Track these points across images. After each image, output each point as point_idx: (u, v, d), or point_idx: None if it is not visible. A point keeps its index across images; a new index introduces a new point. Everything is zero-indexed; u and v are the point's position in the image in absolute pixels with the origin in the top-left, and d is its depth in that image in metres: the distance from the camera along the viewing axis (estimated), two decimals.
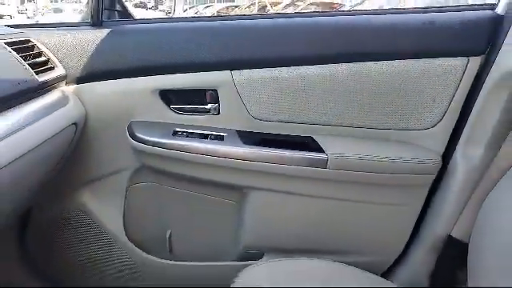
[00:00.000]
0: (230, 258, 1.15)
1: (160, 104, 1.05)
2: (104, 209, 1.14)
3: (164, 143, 1.00)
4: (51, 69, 0.97)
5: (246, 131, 1.05)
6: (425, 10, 1.07)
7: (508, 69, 0.89)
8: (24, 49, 0.93)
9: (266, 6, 11.85)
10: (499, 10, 0.97)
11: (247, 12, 11.94)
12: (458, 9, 1.03)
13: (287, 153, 0.98)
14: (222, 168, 1.01)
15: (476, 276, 0.90)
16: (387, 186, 1.01)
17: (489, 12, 0.98)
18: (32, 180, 0.93)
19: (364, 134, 1.04)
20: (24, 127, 0.78)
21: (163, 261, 1.16)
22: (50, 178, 1.03)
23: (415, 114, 1.01)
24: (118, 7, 1.21)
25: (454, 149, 1.00)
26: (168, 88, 1.04)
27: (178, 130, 1.03)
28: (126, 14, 1.22)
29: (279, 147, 0.99)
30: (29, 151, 0.78)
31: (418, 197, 1.04)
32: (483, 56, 0.96)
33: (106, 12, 1.13)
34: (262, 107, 1.03)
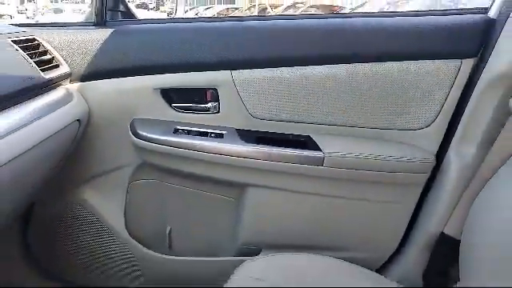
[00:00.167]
0: (228, 253, 1.17)
1: (161, 102, 1.08)
2: (106, 205, 1.17)
3: (165, 140, 1.03)
4: (56, 67, 1.00)
5: (245, 129, 1.07)
6: (420, 13, 1.10)
7: (499, 71, 0.91)
8: (30, 47, 0.96)
9: (266, 8, 11.89)
10: (491, 13, 0.99)
11: (247, 14, 11.97)
12: (452, 12, 1.06)
13: (285, 151, 1.01)
14: (221, 165, 1.03)
15: (467, 272, 0.92)
16: (382, 184, 1.04)
17: (481, 16, 1.01)
18: (36, 176, 0.95)
19: (360, 134, 1.06)
20: (29, 123, 0.80)
21: (163, 256, 1.18)
22: (53, 174, 1.05)
23: (410, 114, 1.04)
24: (121, 8, 1.23)
25: (448, 148, 1.02)
26: (169, 87, 1.07)
27: (178, 127, 1.06)
28: (128, 15, 1.25)
29: (277, 145, 1.02)
30: (33, 147, 0.80)
31: (412, 195, 1.06)
32: (476, 58, 0.98)
33: (109, 12, 1.15)
34: (260, 106, 1.06)
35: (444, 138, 1.04)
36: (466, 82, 0.99)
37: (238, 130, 1.07)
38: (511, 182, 0.87)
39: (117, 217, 1.17)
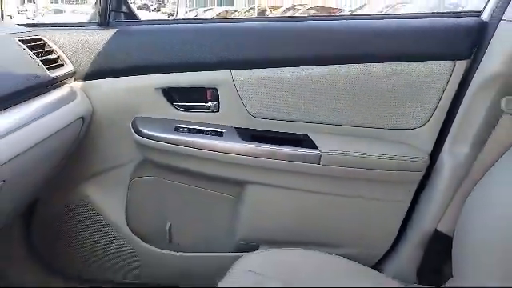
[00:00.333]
0: (226, 249, 1.20)
1: (163, 101, 1.10)
2: (107, 201, 1.19)
3: (166, 138, 1.05)
4: (61, 65, 1.02)
5: (244, 128, 1.10)
6: (416, 15, 1.13)
7: (492, 72, 0.94)
8: (36, 46, 0.98)
9: (266, 10, 11.94)
10: (484, 16, 1.02)
11: (247, 15, 12.01)
12: (446, 15, 1.09)
13: (283, 149, 1.03)
14: (220, 162, 1.06)
15: (459, 269, 0.95)
16: (377, 182, 1.06)
17: (475, 19, 1.04)
18: (40, 172, 0.98)
19: (356, 133, 1.09)
20: (35, 120, 0.83)
21: (163, 251, 1.20)
22: (56, 171, 1.08)
23: (405, 114, 1.06)
24: (124, 9, 1.26)
25: (441, 147, 1.05)
26: (170, 86, 1.10)
27: (179, 126, 1.08)
28: (131, 16, 1.28)
29: (275, 144, 1.04)
30: (39, 143, 0.83)
31: (406, 193, 1.08)
32: (469, 60, 1.01)
33: (112, 13, 1.18)
34: (259, 105, 1.08)
35: (438, 138, 1.06)
36: (460, 83, 1.02)
37: (237, 129, 1.09)
38: (502, 181, 0.90)
39: (118, 213, 1.20)
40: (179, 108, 1.11)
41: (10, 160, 0.72)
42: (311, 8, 10.96)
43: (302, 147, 1.04)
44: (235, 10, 13.67)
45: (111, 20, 1.18)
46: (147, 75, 1.09)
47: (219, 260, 1.18)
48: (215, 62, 1.08)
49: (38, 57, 0.95)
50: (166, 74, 1.09)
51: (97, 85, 1.09)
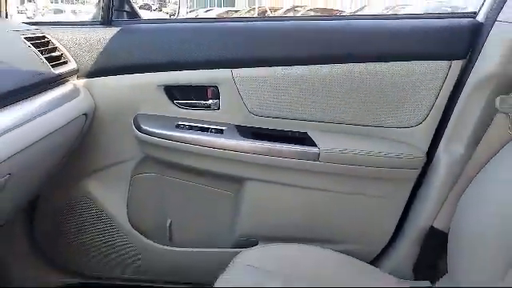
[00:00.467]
0: (226, 245, 1.21)
1: (164, 99, 1.12)
2: (109, 197, 1.21)
3: (167, 135, 1.07)
4: (65, 63, 1.04)
5: (244, 126, 1.12)
6: (413, 16, 1.15)
7: (486, 72, 0.96)
8: (40, 44, 1.00)
9: (266, 11, 11.96)
10: (479, 18, 1.04)
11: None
12: (442, 16, 1.11)
13: (282, 146, 1.05)
14: (220, 159, 1.08)
15: (454, 264, 0.97)
16: (375, 179, 1.08)
17: (470, 20, 1.06)
18: (43, 168, 1.00)
19: (354, 131, 1.11)
20: (39, 116, 0.85)
21: (164, 247, 1.22)
22: (59, 167, 1.10)
23: (402, 112, 1.08)
24: (126, 8, 1.28)
25: (438, 145, 1.07)
26: (172, 84, 1.12)
27: (180, 123, 1.10)
28: (133, 15, 1.30)
29: (275, 141, 1.06)
30: (43, 138, 0.84)
31: (403, 190, 1.10)
32: (464, 60, 1.03)
33: (115, 12, 1.20)
34: (259, 104, 1.10)
35: (434, 136, 1.08)
36: (455, 83, 1.04)
37: (237, 126, 1.11)
38: (497, 178, 0.92)
39: (120, 209, 1.21)
40: (180, 106, 1.13)
41: (15, 154, 0.74)
42: (311, 9, 10.99)
43: (301, 145, 1.06)
44: (235, 11, 13.70)
45: (114, 19, 1.19)
46: (149, 73, 1.11)
47: (219, 255, 1.19)
48: (216, 60, 1.10)
49: (42, 54, 0.97)
50: (167, 72, 1.11)
51: (99, 82, 1.11)
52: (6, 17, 1.17)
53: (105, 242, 1.24)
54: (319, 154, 1.04)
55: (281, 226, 1.15)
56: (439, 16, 1.12)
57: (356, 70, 1.06)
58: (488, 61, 0.96)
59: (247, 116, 1.11)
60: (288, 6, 12.17)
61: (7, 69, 0.85)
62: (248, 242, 1.17)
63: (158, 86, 1.11)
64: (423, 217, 1.08)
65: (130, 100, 1.12)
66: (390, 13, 8.86)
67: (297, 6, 11.73)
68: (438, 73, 1.04)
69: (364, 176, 1.08)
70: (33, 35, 1.01)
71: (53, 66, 0.97)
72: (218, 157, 1.07)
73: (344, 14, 9.91)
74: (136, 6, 1.33)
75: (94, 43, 1.11)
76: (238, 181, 1.13)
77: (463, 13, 1.11)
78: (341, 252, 1.01)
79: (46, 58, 0.97)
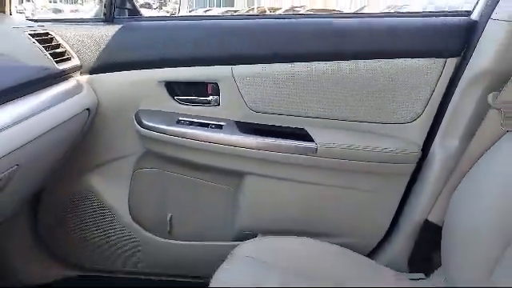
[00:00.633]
0: (226, 239, 1.24)
1: (165, 95, 1.14)
2: (111, 191, 1.23)
3: (168, 130, 1.09)
4: (68, 59, 1.06)
5: (243, 122, 1.14)
6: (409, 14, 1.18)
7: (481, 69, 0.98)
8: (44, 40, 1.02)
9: (265, 11, 11.98)
10: (474, 16, 1.07)
11: None
12: (438, 14, 1.14)
13: (280, 141, 1.07)
14: (219, 154, 1.10)
15: (447, 258, 0.99)
16: (371, 173, 1.10)
17: (465, 18, 1.08)
18: (47, 162, 1.02)
19: (351, 127, 1.13)
20: (43, 111, 0.87)
21: (164, 240, 1.24)
22: (62, 162, 1.12)
23: (398, 108, 1.10)
24: (128, 5, 1.31)
25: (433, 141, 1.09)
26: (173, 80, 1.14)
27: (181, 118, 1.12)
28: (135, 12, 1.33)
29: (273, 136, 1.08)
30: (48, 131, 0.87)
31: (399, 184, 1.12)
32: (459, 57, 1.05)
33: (117, 10, 1.22)
34: (258, 100, 1.12)
35: (429, 132, 1.10)
36: (450, 80, 1.06)
37: (236, 122, 1.13)
38: (489, 173, 0.94)
39: (121, 203, 1.23)
40: (181, 102, 1.15)
41: (23, 145, 0.76)
42: (310, 10, 11.01)
43: (299, 140, 1.08)
44: (235, 11, 13.71)
45: (116, 16, 1.22)
46: (150, 69, 1.13)
47: (218, 248, 1.21)
48: (216, 57, 1.12)
49: (46, 50, 0.99)
50: (168, 68, 1.13)
51: (102, 78, 1.13)
52: (10, 14, 1.19)
53: (106, 236, 1.26)
54: (316, 149, 1.06)
55: (279, 219, 1.17)
56: (435, 14, 1.15)
57: (353, 68, 1.08)
58: (482, 58, 0.98)
59: (246, 112, 1.13)
60: (287, 6, 12.19)
61: (14, 64, 0.87)
62: (247, 236, 1.19)
63: (159, 82, 1.13)
64: (418, 211, 1.10)
65: (131, 96, 1.14)
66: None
67: (296, 7, 11.75)
68: (433, 70, 1.06)
69: (360, 171, 1.10)
70: (37, 32, 1.03)
71: (57, 62, 1.00)
72: (217, 152, 1.09)
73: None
74: (137, 4, 1.35)
75: (97, 40, 1.13)
76: (237, 175, 1.15)
77: (458, 11, 1.13)
78: (337, 245, 1.03)
79: (50, 54, 0.99)
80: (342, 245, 1.04)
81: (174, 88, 1.15)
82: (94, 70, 1.13)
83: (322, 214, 1.16)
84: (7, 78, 0.80)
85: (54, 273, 1.32)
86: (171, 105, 1.15)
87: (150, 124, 1.10)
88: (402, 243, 1.15)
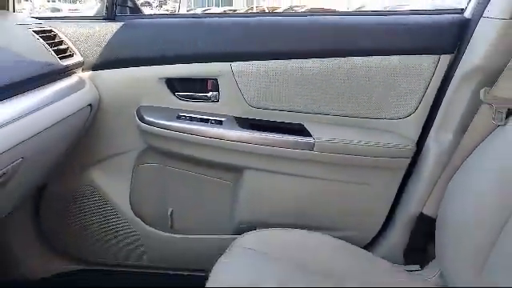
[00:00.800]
0: (226, 232, 1.26)
1: (166, 91, 1.16)
2: (112, 186, 1.25)
3: (169, 125, 1.11)
4: (71, 56, 1.09)
5: (242, 117, 1.16)
6: (403, 12, 1.20)
7: (473, 65, 1.01)
8: (48, 37, 1.05)
9: (264, 11, 11.99)
10: (467, 14, 1.09)
11: None
12: (431, 12, 1.16)
13: (279, 136, 1.10)
14: (219, 149, 1.12)
15: (441, 250, 1.01)
16: (367, 168, 1.13)
17: (458, 16, 1.11)
18: (49, 157, 1.04)
19: (348, 122, 1.15)
20: (47, 105, 0.89)
21: (165, 233, 1.26)
22: (64, 157, 1.14)
23: (393, 104, 1.13)
24: (129, 3, 1.33)
25: (427, 135, 1.11)
26: (173, 77, 1.16)
27: (181, 114, 1.15)
28: (136, 10, 1.35)
29: (272, 132, 1.11)
30: (51, 126, 0.89)
31: (394, 178, 1.15)
32: (452, 54, 1.08)
33: (118, 7, 1.25)
34: (257, 96, 1.14)
35: (424, 127, 1.13)
36: (444, 76, 1.09)
37: (236, 118, 1.15)
38: (480, 167, 0.97)
39: (123, 198, 1.25)
40: (181, 98, 1.17)
41: (27, 139, 0.79)
42: (309, 9, 11.03)
43: (297, 135, 1.10)
44: (233, 11, 13.72)
45: (117, 14, 1.24)
46: (151, 66, 1.15)
47: (219, 242, 1.23)
48: (215, 54, 1.14)
49: (50, 47, 1.01)
50: (168, 65, 1.15)
51: (104, 75, 1.16)
52: (14, 11, 1.21)
53: (108, 230, 1.28)
54: (314, 144, 1.09)
55: (277, 213, 1.20)
56: (429, 12, 1.17)
57: (349, 65, 1.11)
58: (474, 55, 1.01)
59: (246, 108, 1.15)
60: (285, 5, 12.21)
61: (19, 60, 0.89)
62: (247, 229, 1.21)
63: (160, 78, 1.15)
64: (413, 204, 1.13)
65: (132, 92, 1.16)
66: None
67: (295, 6, 11.77)
68: (427, 66, 1.09)
69: (357, 165, 1.12)
70: (40, 29, 1.05)
71: (60, 59, 1.02)
72: (217, 147, 1.11)
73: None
74: (138, 3, 1.38)
75: (99, 37, 1.15)
76: (237, 170, 1.18)
77: (451, 9, 1.16)
78: (335, 237, 1.05)
79: (53, 50, 1.01)
80: (339, 237, 1.06)
81: (174, 84, 1.17)
82: (95, 67, 1.16)
83: (320, 207, 1.18)
84: (13, 74, 0.83)
85: (55, 266, 1.34)
86: (172, 101, 1.17)
87: (151, 119, 1.13)
88: (397, 236, 1.18)
